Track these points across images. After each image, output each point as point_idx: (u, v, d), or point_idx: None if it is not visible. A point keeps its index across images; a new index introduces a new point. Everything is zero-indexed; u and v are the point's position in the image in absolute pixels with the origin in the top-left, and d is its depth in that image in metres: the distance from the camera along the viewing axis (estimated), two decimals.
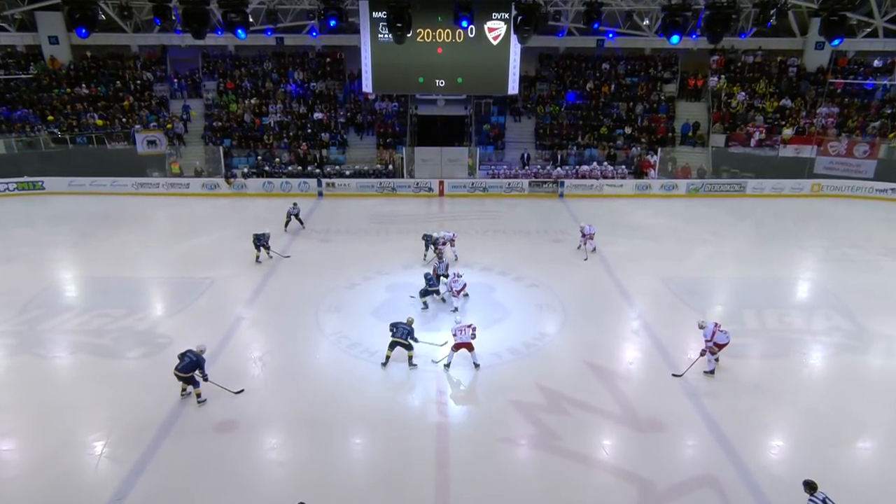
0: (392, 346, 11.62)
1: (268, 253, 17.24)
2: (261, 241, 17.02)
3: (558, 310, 14.25)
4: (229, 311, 14.08)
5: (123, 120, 27.06)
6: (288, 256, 17.60)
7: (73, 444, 9.44)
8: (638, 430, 9.89)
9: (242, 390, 10.67)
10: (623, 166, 26.50)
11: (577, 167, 26.32)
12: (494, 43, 23.90)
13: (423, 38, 23.67)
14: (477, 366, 11.62)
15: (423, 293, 14.35)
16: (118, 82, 28.48)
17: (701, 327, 11.42)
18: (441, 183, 25.42)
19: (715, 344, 11.25)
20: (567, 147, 27.63)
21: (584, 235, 17.65)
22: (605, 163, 26.46)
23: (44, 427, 9.83)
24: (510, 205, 24.08)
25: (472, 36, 23.63)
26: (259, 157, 26.51)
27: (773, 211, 23.22)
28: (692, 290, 15.37)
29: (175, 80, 29.16)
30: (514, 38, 23.29)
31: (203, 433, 9.69)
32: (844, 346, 12.65)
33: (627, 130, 28.13)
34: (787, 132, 26.50)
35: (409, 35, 21.97)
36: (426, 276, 14.49)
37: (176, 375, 10.29)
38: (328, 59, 29.85)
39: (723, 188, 25.42)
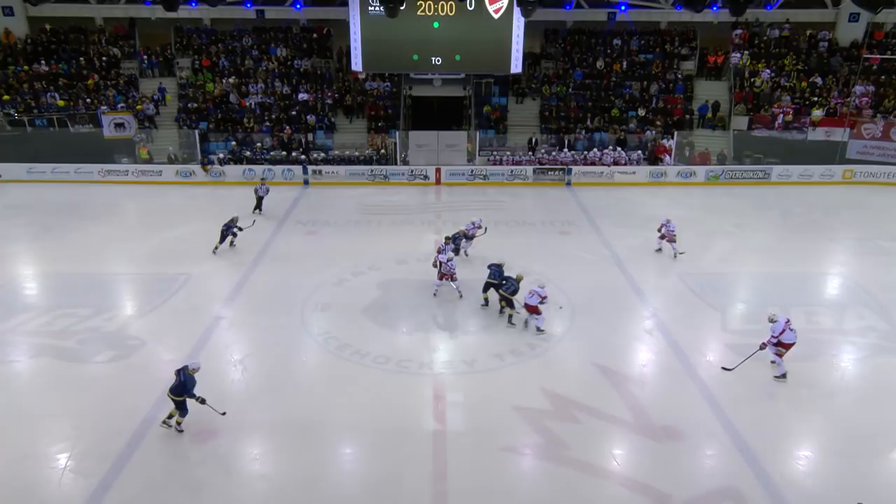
0: (502, 299, 13.39)
1: (231, 242, 17.34)
2: (230, 230, 17.16)
3: (565, 308, 14.26)
4: (207, 309, 14.07)
5: (88, 100, 26.93)
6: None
7: (34, 457, 9.41)
8: (653, 438, 9.92)
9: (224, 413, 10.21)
10: (638, 151, 26.46)
11: (586, 153, 26.31)
12: (496, 17, 23.83)
13: (417, 11, 23.58)
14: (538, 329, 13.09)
15: (486, 287, 14.20)
16: (81, 59, 28.33)
17: (772, 321, 11.36)
18: (438, 170, 25.38)
19: (780, 343, 11.23)
20: (575, 131, 27.61)
21: (662, 237, 17.15)
22: (619, 149, 26.43)
23: (1, 438, 9.80)
24: (513, 194, 24.08)
25: (471, 9, 23.54)
26: (234, 143, 26.40)
27: (800, 200, 23.25)
28: (712, 286, 15.40)
29: (145, 57, 29.04)
30: (517, 12, 23.21)
31: (178, 443, 9.69)
32: (879, 347, 12.69)
33: (641, 112, 28.09)
34: (817, 113, 26.48)
35: (402, 8, 21.95)
36: (490, 266, 14.12)
37: (169, 397, 9.83)
38: (314, 35, 29.75)
39: (745, 175, 25.43)
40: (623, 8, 28.44)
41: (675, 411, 10.54)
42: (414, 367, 11.85)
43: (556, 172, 25.40)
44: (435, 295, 14.73)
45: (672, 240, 17.01)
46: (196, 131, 26.20)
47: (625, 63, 29.33)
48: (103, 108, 26.34)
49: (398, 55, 24.66)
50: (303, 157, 25.91)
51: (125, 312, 14.13)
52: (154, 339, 12.76)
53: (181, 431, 9.88)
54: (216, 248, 17.22)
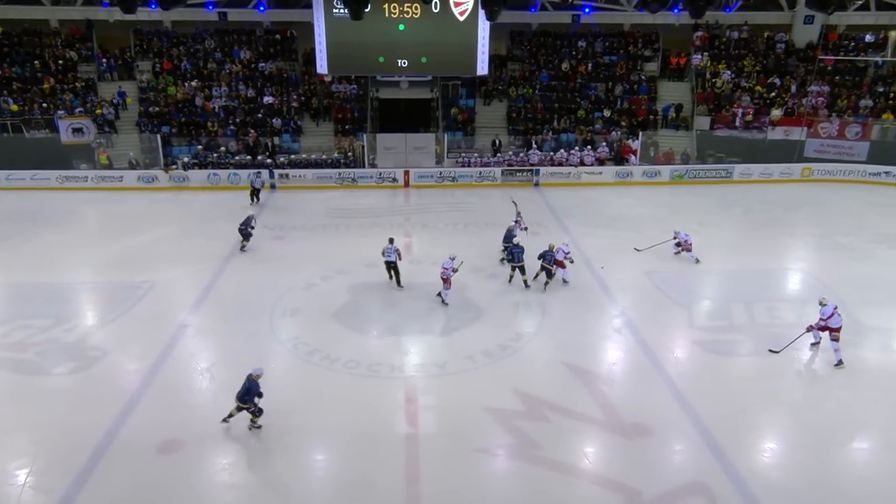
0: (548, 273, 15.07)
1: (244, 244, 17.73)
2: (248, 227, 17.54)
3: (535, 308, 14.38)
4: (172, 317, 13.81)
5: (44, 105, 26.22)
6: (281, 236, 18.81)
7: None
8: (623, 435, 10.05)
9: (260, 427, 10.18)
10: (603, 143, 26.77)
11: (552, 154, 26.55)
12: (461, 19, 23.91)
13: (382, 13, 23.53)
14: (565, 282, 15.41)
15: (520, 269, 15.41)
16: (36, 62, 27.56)
17: (822, 304, 11.94)
18: (406, 173, 25.36)
19: (828, 327, 11.78)
20: (542, 132, 27.85)
21: (679, 245, 17.09)
22: (588, 148, 26.73)
23: None
24: (482, 195, 24.17)
25: (436, 11, 23.57)
26: (200, 147, 25.99)
27: (761, 198, 23.82)
28: (677, 283, 15.68)
29: (103, 60, 28.39)
30: (482, 14, 23.33)
31: (143, 455, 9.47)
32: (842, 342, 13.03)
33: (606, 113, 28.49)
34: (776, 113, 27.20)
35: (366, 10, 21.86)
36: (514, 251, 15.39)
37: (236, 404, 9.93)
38: (278, 37, 29.46)
39: (708, 174, 25.97)
40: (587, 10, 28.81)
41: (644, 408, 10.69)
42: (385, 370, 11.81)
43: (524, 174, 25.59)
44: (446, 304, 14.45)
45: (688, 248, 16.99)
46: (158, 136, 25.70)
47: (590, 65, 29.69)
48: (60, 112, 25.67)
49: (364, 57, 24.56)
50: (269, 160, 25.63)
51: (86, 322, 13.79)
52: (117, 349, 12.48)
53: (259, 427, 10.01)
54: (243, 246, 17.62)
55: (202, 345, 12.95)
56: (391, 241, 15.29)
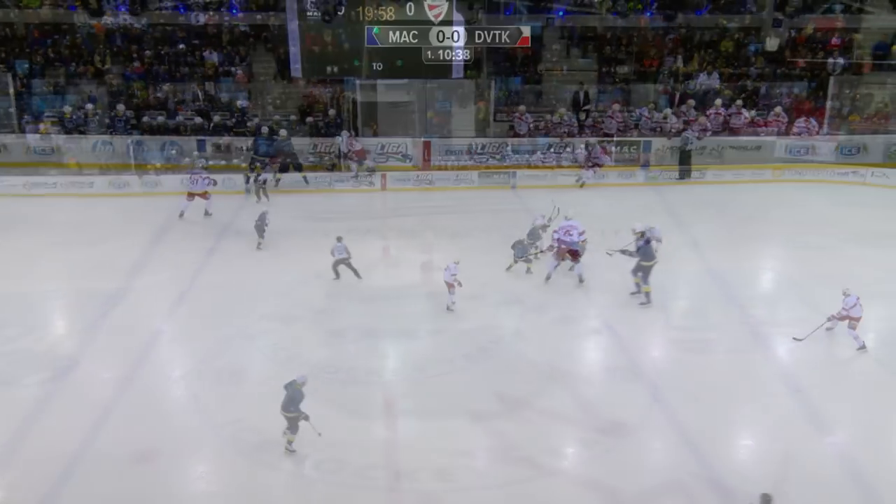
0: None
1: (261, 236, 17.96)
2: (264, 223, 17.79)
3: (515, 310, 14.44)
4: (146, 324, 13.59)
5: (10, 109, 25.66)
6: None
7: None
8: (602, 435, 10.14)
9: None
10: (582, 146, 26.99)
11: (529, 156, 26.71)
12: (436, 21, 23.96)
13: (357, 16, 23.49)
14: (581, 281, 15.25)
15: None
16: (2, 65, 26.97)
17: (846, 295, 12.27)
18: (383, 176, 25.30)
19: (850, 316, 12.15)
20: (519, 134, 27.95)
21: (647, 242, 16.50)
22: (568, 150, 26.87)
23: None
24: (459, 198, 24.19)
25: (411, 14, 23.59)
26: (174, 151, 25.67)
27: (734, 199, 24.15)
28: (654, 283, 15.76)
29: (72, 64, 27.86)
30: (457, 17, 23.39)
31: (118, 466, 9.31)
32: (811, 337, 13.29)
33: (582, 115, 28.72)
34: (747, 114, 27.68)
35: (340, 13, 21.85)
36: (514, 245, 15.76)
37: (282, 415, 9.59)
38: (251, 40, 29.20)
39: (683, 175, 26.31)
40: (561, 13, 29.05)
41: (621, 407, 10.80)
42: (363, 375, 11.77)
43: (502, 176, 25.71)
44: (451, 310, 14.17)
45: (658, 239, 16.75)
46: (129, 140, 25.32)
47: (564, 67, 29.95)
48: (27, 117, 25.14)
49: (338, 61, 24.49)
50: (244, 164, 25.38)
51: (56, 331, 13.58)
52: (89, 357, 12.25)
53: (293, 451, 9.59)
54: (259, 244, 17.77)
55: (178, 352, 12.81)
56: (339, 239, 15.43)
